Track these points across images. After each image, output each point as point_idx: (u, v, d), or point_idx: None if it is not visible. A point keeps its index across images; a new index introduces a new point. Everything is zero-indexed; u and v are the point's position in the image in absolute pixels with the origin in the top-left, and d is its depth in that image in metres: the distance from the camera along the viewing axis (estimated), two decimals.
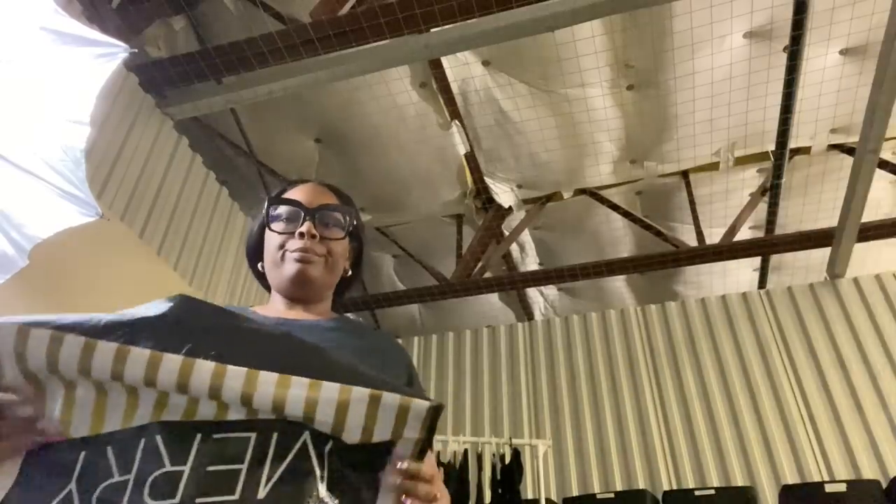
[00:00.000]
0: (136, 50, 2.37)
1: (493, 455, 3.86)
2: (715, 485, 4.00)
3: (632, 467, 4.26)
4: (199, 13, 4.02)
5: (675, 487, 4.08)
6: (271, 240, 1.12)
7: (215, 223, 4.02)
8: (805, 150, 4.51)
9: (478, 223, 5.08)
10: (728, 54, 3.85)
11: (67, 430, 0.78)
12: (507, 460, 3.77)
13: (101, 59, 2.16)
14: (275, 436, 0.75)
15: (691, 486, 4.05)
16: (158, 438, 0.75)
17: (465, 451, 3.84)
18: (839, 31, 3.67)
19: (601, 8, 3.14)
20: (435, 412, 0.76)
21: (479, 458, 3.94)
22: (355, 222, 1.16)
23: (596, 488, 4.22)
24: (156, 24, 3.79)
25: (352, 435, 0.76)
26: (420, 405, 0.76)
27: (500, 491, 3.68)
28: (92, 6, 3.29)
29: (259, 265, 1.18)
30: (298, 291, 1.11)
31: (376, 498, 0.75)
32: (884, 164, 4.18)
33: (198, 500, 0.70)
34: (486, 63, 4.07)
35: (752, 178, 4.77)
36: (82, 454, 0.77)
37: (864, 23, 3.59)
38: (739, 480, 4.02)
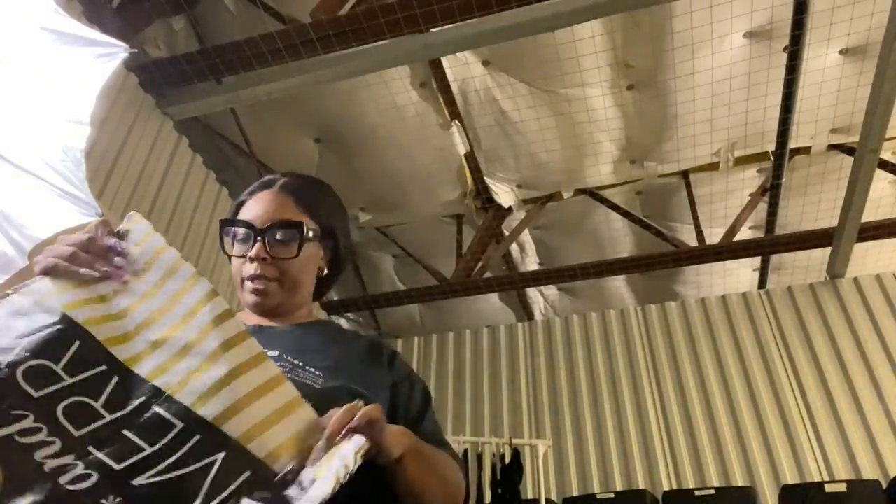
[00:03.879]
0: (136, 50, 2.38)
1: (493, 455, 3.86)
2: (715, 485, 4.00)
3: (632, 467, 4.26)
4: (199, 13, 4.02)
5: (675, 487, 4.08)
6: (231, 262, 1.10)
7: (215, 224, 4.01)
8: (805, 150, 4.51)
9: (478, 223, 5.08)
10: (728, 54, 3.85)
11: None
12: (507, 460, 3.77)
13: (101, 59, 2.16)
14: (195, 438, 0.74)
15: (691, 486, 4.05)
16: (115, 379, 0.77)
17: (465, 451, 3.85)
18: (839, 31, 3.67)
19: (601, 8, 3.13)
20: None
21: (479, 458, 3.95)
22: (311, 234, 1.08)
23: (596, 488, 4.22)
24: (156, 24, 3.79)
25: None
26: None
27: (499, 491, 3.69)
28: (92, 6, 3.29)
29: None
30: (263, 315, 1.09)
31: None
32: (884, 164, 4.18)
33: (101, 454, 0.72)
34: (486, 63, 4.07)
35: (752, 178, 4.77)
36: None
37: (864, 23, 3.59)
38: (739, 480, 4.02)
